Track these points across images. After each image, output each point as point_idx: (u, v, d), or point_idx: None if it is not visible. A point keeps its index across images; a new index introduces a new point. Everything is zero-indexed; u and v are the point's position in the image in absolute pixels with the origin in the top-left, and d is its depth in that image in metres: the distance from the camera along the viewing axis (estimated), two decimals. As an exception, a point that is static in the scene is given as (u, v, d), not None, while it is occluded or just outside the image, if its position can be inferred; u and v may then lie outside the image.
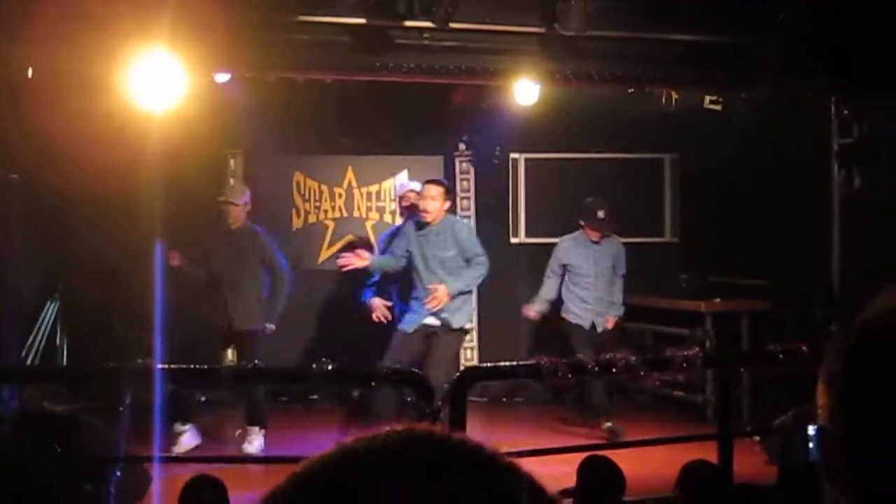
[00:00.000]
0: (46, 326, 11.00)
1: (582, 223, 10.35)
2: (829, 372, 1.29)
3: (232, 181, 11.24)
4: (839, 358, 1.28)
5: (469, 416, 6.10)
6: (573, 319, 10.30)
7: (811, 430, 3.91)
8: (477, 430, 9.37)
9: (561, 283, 10.40)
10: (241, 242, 9.51)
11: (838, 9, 7.88)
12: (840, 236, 9.34)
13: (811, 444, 3.87)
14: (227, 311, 9.34)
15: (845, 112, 9.23)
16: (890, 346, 1.24)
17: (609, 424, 9.77)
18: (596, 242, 10.33)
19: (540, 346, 11.43)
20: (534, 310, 10.42)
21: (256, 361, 6.47)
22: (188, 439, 9.15)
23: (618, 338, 10.33)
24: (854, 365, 1.26)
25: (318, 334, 11.41)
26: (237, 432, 9.47)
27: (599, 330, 10.27)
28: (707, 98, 9.81)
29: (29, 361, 10.52)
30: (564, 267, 10.38)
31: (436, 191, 9.13)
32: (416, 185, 9.99)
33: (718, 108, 9.89)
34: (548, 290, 10.39)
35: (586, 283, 10.32)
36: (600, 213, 10.28)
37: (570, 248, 10.37)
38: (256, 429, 9.31)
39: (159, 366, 6.33)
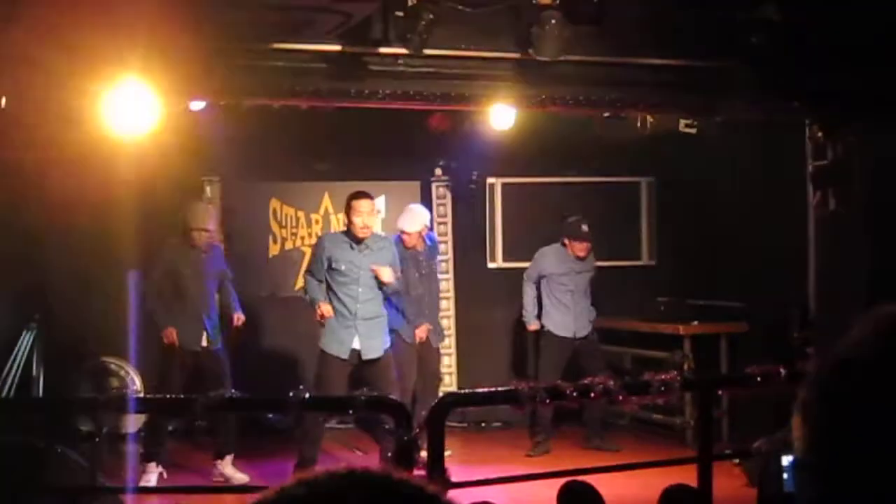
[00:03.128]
0: (22, 357, 10.92)
1: (566, 240, 10.50)
2: (804, 403, 1.27)
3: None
4: (814, 389, 1.26)
5: (448, 441, 6.08)
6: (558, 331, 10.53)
7: (785, 461, 3.90)
8: (456, 457, 9.35)
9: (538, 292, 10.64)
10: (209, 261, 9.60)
11: (811, 32, 7.92)
12: (815, 258, 9.37)
13: (785, 476, 3.85)
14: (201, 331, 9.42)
15: (819, 134, 9.27)
16: (864, 377, 1.22)
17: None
18: (581, 259, 10.52)
19: (519, 369, 11.44)
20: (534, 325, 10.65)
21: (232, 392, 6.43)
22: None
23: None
24: (828, 396, 1.24)
25: (296, 361, 11.34)
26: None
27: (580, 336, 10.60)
28: (682, 121, 9.84)
29: (4, 392, 10.43)
30: (542, 277, 10.57)
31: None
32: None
33: (694, 131, 9.92)
34: (530, 298, 10.61)
35: (567, 297, 10.49)
36: (584, 227, 10.44)
37: (553, 260, 10.55)
38: (228, 458, 9.34)
39: (134, 396, 6.29)
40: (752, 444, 7.71)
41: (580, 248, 10.54)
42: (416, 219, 10.27)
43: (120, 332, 11.08)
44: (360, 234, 8.92)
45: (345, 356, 8.92)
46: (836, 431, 1.23)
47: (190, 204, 9.85)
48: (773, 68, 8.06)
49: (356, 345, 8.92)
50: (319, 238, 9.66)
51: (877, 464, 1.18)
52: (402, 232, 10.20)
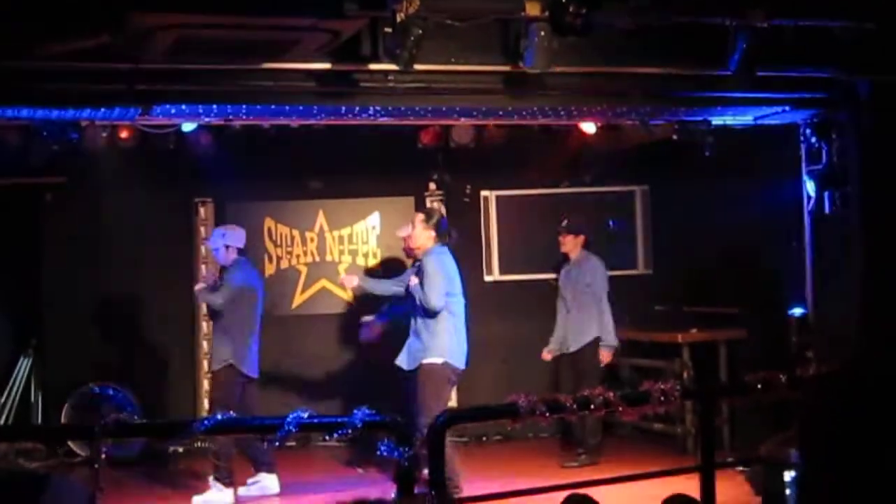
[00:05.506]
0: (20, 383, 10.89)
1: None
2: (803, 427, 1.26)
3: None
4: (814, 415, 1.25)
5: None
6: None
7: (787, 476, 3.90)
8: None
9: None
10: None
11: (798, 36, 7.91)
12: (812, 261, 9.36)
13: (787, 491, 3.84)
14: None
15: (813, 138, 9.26)
16: (857, 408, 1.21)
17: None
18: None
19: (518, 384, 11.40)
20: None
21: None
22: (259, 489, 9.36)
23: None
24: (827, 423, 1.24)
25: (293, 380, 11.31)
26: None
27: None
28: (674, 129, 9.83)
29: (2, 419, 10.40)
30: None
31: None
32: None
33: (686, 138, 9.91)
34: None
35: None
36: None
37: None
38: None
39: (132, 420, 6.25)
40: (753, 451, 7.70)
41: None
42: None
43: (118, 357, 11.08)
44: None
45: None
46: (834, 456, 1.22)
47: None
48: (763, 73, 8.05)
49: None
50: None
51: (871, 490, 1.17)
52: None
